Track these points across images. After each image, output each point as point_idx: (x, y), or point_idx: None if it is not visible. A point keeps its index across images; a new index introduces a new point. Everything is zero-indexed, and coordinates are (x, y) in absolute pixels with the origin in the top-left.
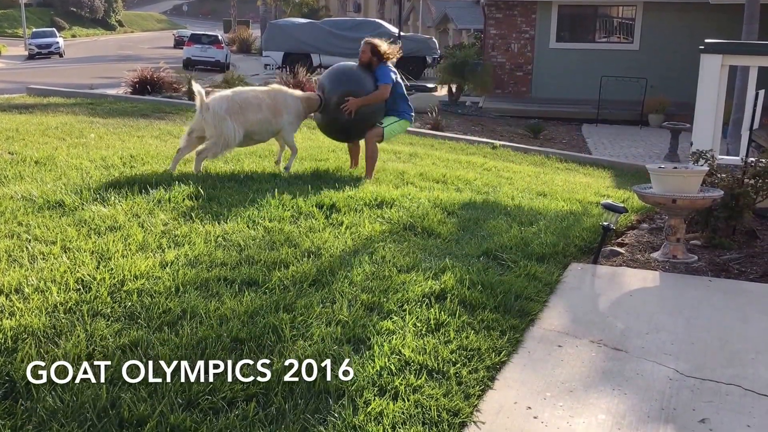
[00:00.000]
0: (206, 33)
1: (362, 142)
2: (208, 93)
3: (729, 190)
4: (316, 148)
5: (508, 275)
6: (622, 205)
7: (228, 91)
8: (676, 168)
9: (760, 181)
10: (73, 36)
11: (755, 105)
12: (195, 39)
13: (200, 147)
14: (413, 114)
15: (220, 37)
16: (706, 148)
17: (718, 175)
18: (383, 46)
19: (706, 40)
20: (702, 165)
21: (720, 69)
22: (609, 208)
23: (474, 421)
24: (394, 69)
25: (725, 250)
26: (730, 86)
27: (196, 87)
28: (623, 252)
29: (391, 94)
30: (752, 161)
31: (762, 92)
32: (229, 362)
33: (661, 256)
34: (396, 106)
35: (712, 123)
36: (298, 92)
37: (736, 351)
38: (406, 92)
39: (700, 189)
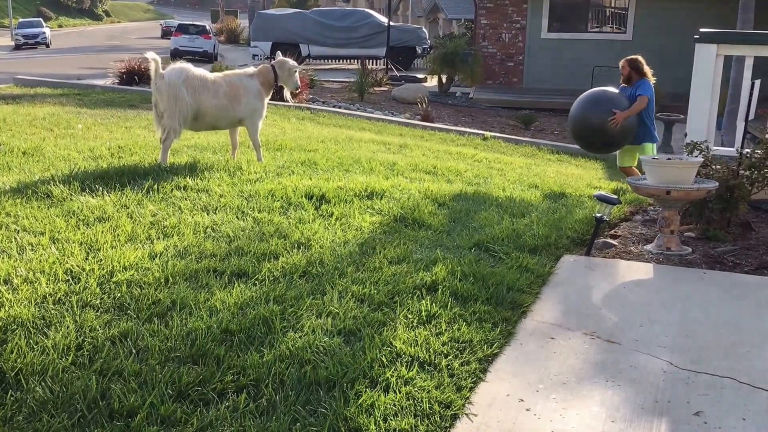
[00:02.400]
0: (194, 23)
1: None
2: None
3: (724, 181)
4: (305, 138)
5: (500, 267)
6: (615, 196)
7: (189, 65)
8: (670, 159)
9: (756, 172)
10: (60, 26)
11: (751, 95)
12: (182, 29)
13: (160, 134)
14: (654, 135)
15: (207, 28)
16: (700, 139)
17: (713, 167)
18: (644, 63)
19: (701, 30)
20: (696, 156)
21: (715, 59)
22: (602, 199)
23: (466, 414)
24: (652, 86)
25: (720, 242)
26: (725, 76)
27: (151, 54)
28: (616, 244)
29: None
30: (747, 152)
31: (758, 82)
32: (219, 354)
33: (654, 248)
34: (642, 131)
35: (707, 114)
36: (250, 69)
37: (730, 344)
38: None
39: (694, 180)
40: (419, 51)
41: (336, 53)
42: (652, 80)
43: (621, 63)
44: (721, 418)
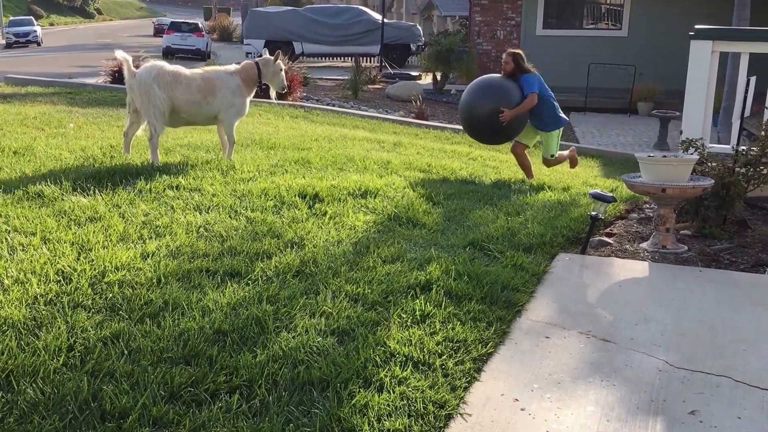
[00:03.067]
0: (186, 21)
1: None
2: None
3: (719, 179)
4: (298, 137)
5: (495, 266)
6: (610, 194)
7: (162, 62)
8: (665, 157)
9: (752, 169)
10: (51, 24)
11: (746, 92)
12: (175, 27)
13: (141, 132)
14: (559, 121)
15: (200, 25)
16: (696, 137)
17: (709, 164)
18: (524, 58)
19: (696, 26)
20: (692, 153)
21: (710, 55)
22: (597, 197)
23: (460, 414)
24: (539, 78)
25: (716, 240)
26: (721, 73)
27: (120, 53)
28: (612, 242)
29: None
30: (743, 149)
31: (753, 79)
32: (212, 354)
33: (650, 246)
34: (547, 115)
35: (702, 111)
36: (232, 66)
37: (726, 342)
38: (555, 101)
39: (690, 178)
40: (413, 48)
41: (330, 51)
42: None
43: (504, 57)
44: (717, 416)
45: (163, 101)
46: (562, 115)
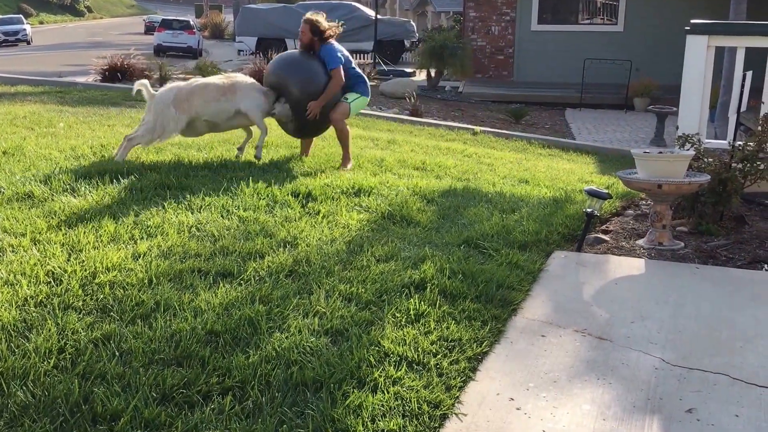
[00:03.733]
0: (177, 18)
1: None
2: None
3: (716, 174)
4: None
5: (490, 264)
6: (606, 191)
7: (182, 83)
8: (661, 153)
9: (748, 165)
10: (41, 23)
11: (743, 87)
12: (166, 24)
13: (130, 133)
14: (369, 89)
15: (191, 23)
16: (692, 132)
17: (705, 160)
18: (323, 22)
19: (692, 21)
20: (688, 149)
21: (706, 50)
22: (593, 194)
23: (456, 414)
24: (339, 46)
25: (712, 237)
26: (718, 68)
27: (139, 82)
28: (608, 239)
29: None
30: (740, 144)
31: (749, 73)
32: (204, 355)
33: (646, 243)
34: (351, 84)
35: (699, 106)
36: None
37: (724, 339)
38: (357, 68)
39: (686, 174)
40: (407, 45)
41: None
42: (336, 43)
43: (301, 27)
44: (714, 414)
45: (177, 121)
46: (363, 75)
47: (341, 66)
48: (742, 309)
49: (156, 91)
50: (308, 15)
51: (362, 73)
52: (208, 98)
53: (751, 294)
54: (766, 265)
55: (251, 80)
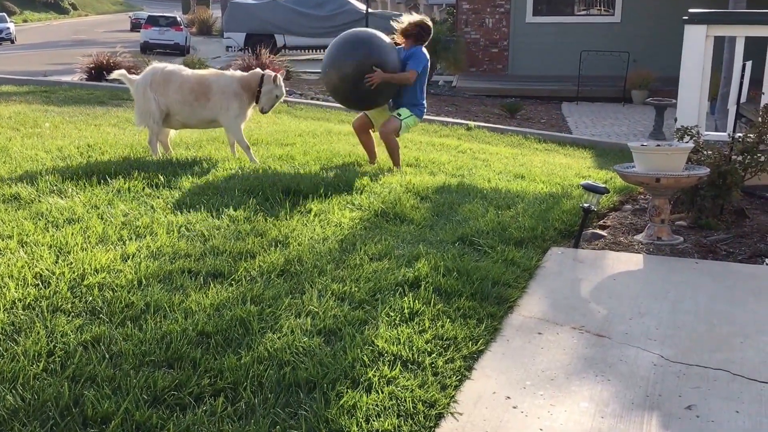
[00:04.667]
0: (164, 14)
1: (376, 136)
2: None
3: (715, 167)
4: (281, 132)
5: (485, 261)
6: (603, 185)
7: (160, 65)
8: (659, 146)
9: (749, 157)
10: (25, 21)
11: (742, 77)
12: (152, 21)
13: (174, 133)
14: (424, 112)
15: (178, 19)
16: (691, 124)
17: (704, 152)
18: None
19: (690, 10)
20: (687, 142)
21: (705, 40)
22: (589, 189)
23: (451, 413)
24: (427, 55)
25: (712, 231)
26: (718, 59)
27: (117, 72)
28: (605, 235)
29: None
30: (740, 136)
31: (749, 63)
32: (196, 356)
33: (645, 238)
34: (412, 97)
35: (698, 97)
36: (237, 73)
37: (723, 335)
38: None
39: (685, 167)
40: None
41: (313, 43)
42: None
43: (411, 19)
44: (714, 411)
45: (157, 103)
46: (424, 102)
47: (418, 73)
48: (742, 304)
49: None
50: (424, 18)
51: (424, 98)
52: (183, 99)
53: (751, 289)
54: (767, 260)
55: (229, 78)
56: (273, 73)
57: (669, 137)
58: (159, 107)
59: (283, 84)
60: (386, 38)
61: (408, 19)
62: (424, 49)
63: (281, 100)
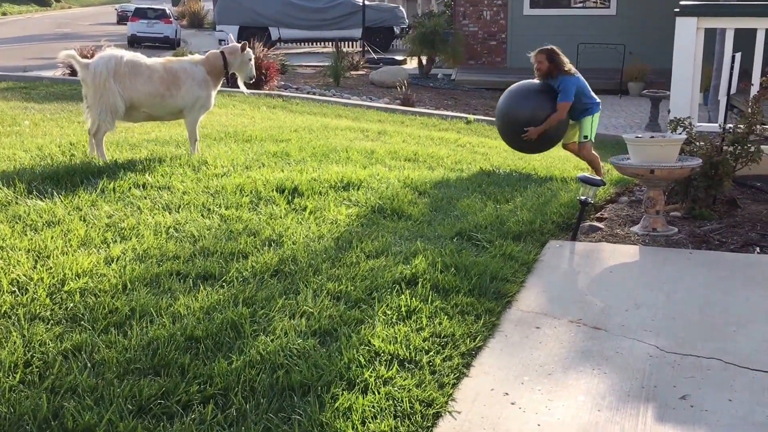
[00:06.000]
0: (152, 7)
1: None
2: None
3: (707, 158)
4: (276, 128)
5: (483, 256)
6: (599, 178)
7: (119, 51)
8: (653, 137)
9: (739, 147)
10: (4, 14)
11: (732, 69)
12: (140, 13)
13: (90, 126)
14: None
15: (168, 11)
16: (684, 116)
17: (697, 143)
18: (561, 55)
19: (681, 2)
20: (680, 133)
21: (696, 32)
22: (586, 181)
23: (449, 411)
24: (579, 80)
25: (705, 221)
26: (710, 51)
27: (62, 54)
28: (602, 227)
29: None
30: (730, 127)
31: (738, 55)
32: (184, 363)
33: (640, 229)
34: (579, 106)
35: (690, 89)
36: (197, 57)
37: (717, 324)
38: (594, 95)
39: (678, 158)
40: (397, 31)
41: (308, 36)
42: (574, 72)
43: (535, 56)
44: (708, 400)
45: (120, 96)
46: (595, 98)
47: (568, 103)
48: (735, 293)
49: (88, 60)
50: (548, 48)
51: (596, 98)
52: (152, 91)
53: (744, 277)
54: (758, 248)
55: (195, 64)
56: (236, 45)
57: (664, 129)
58: (124, 102)
59: (249, 49)
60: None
61: (536, 58)
62: (572, 71)
63: (252, 60)
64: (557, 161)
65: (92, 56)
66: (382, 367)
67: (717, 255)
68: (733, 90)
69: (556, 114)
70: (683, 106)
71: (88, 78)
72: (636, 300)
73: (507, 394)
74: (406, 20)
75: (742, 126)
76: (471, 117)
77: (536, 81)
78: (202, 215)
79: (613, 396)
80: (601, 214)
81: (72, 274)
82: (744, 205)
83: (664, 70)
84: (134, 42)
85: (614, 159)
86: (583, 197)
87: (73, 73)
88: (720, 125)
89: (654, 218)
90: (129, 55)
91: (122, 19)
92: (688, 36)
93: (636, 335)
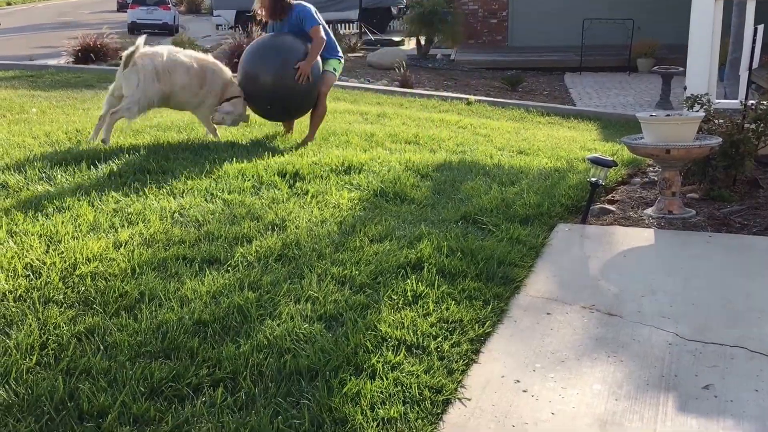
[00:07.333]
0: None
1: None
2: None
3: (728, 136)
4: None
5: (490, 240)
6: (610, 158)
7: (161, 49)
8: (669, 115)
9: (762, 125)
10: (8, 4)
11: (754, 42)
12: (139, 1)
13: (114, 108)
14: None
15: None
16: (701, 92)
17: (716, 121)
18: None
19: None
20: (697, 111)
21: (714, 4)
22: (596, 162)
23: (459, 398)
24: (310, 5)
25: (725, 203)
26: (726, 23)
27: (141, 40)
28: (614, 209)
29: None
30: (752, 104)
31: (761, 27)
32: (193, 346)
33: (655, 212)
34: (327, 51)
35: (707, 64)
36: (228, 72)
37: (740, 311)
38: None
39: (695, 137)
40: (395, 12)
41: None
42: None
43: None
44: (733, 390)
45: (160, 93)
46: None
47: (320, 25)
48: (758, 278)
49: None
50: None
51: (332, 36)
52: (191, 87)
53: (767, 262)
54: None
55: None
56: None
57: (677, 106)
58: (159, 98)
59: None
60: (278, 37)
61: (257, 3)
62: (301, 2)
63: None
64: (563, 142)
65: (95, 43)
66: (390, 352)
67: (738, 238)
68: (755, 64)
69: (314, 42)
70: (700, 83)
71: (132, 74)
72: (652, 285)
73: (518, 381)
74: (404, 0)
75: (765, 102)
76: (472, 98)
77: (266, 36)
78: (205, 200)
79: (631, 385)
80: (613, 197)
81: (83, 258)
82: (766, 186)
83: (674, 46)
84: (134, 29)
85: (627, 139)
86: (593, 179)
87: (77, 60)
88: (741, 102)
89: (670, 200)
90: (166, 50)
91: (122, 6)
92: (706, 9)
93: (653, 322)
